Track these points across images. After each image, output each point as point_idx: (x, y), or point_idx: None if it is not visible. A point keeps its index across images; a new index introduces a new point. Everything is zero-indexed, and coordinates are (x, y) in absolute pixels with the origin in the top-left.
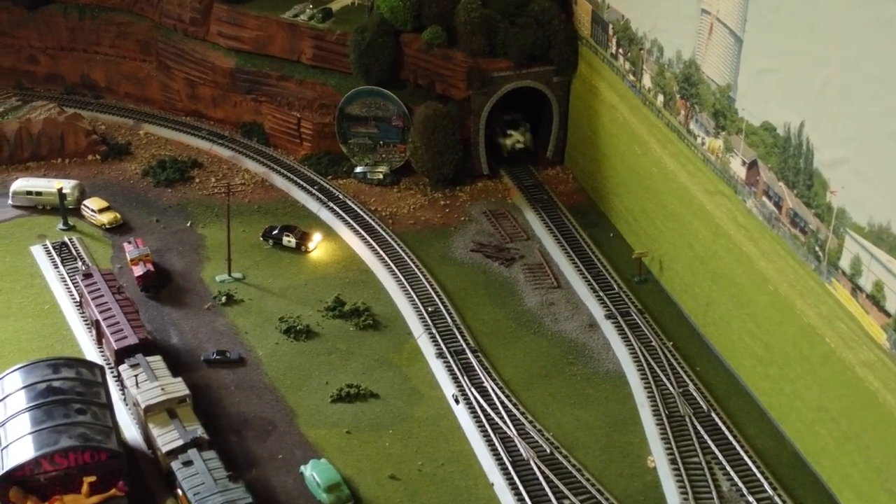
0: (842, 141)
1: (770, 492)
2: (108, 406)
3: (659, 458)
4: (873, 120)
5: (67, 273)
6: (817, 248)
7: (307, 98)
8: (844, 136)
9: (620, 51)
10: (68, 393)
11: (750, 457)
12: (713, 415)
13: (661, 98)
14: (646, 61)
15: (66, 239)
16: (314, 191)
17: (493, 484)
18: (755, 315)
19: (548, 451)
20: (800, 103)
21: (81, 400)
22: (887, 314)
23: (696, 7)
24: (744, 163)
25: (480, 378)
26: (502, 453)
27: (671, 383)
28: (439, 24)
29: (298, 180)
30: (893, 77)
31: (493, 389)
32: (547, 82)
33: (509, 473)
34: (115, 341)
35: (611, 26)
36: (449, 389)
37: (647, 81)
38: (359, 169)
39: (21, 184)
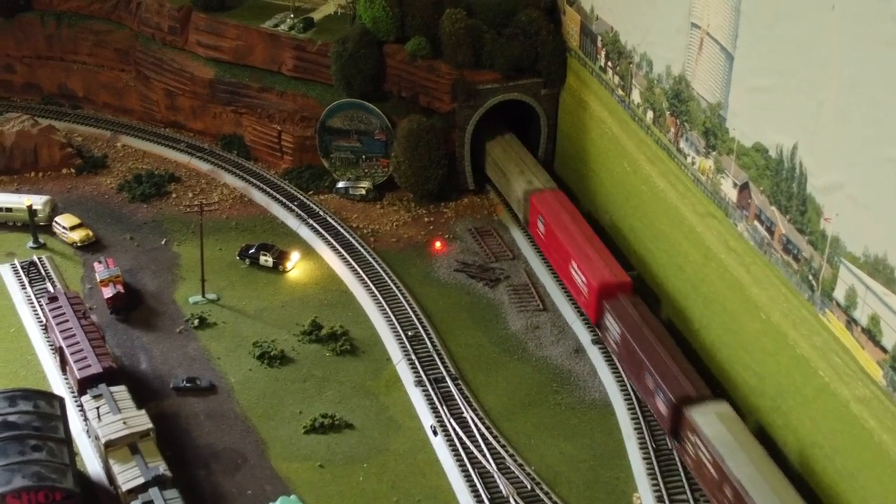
0: (837, 165)
1: None
2: (67, 441)
3: (645, 494)
4: (870, 144)
5: (35, 295)
6: (811, 277)
7: (288, 110)
8: (840, 161)
9: (609, 64)
10: (24, 428)
11: None
12: None
13: (650, 114)
14: (635, 75)
15: (35, 258)
16: (294, 207)
17: None
18: (747, 343)
19: (528, 487)
20: (793, 124)
21: (38, 435)
22: (883, 350)
23: (685, 21)
24: (735, 185)
25: (460, 408)
26: (481, 490)
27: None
28: (423, 34)
29: (278, 196)
30: (892, 100)
31: (474, 420)
32: (535, 95)
33: None
34: (78, 370)
35: (600, 38)
36: (427, 420)
37: (636, 96)
38: (341, 184)
39: None
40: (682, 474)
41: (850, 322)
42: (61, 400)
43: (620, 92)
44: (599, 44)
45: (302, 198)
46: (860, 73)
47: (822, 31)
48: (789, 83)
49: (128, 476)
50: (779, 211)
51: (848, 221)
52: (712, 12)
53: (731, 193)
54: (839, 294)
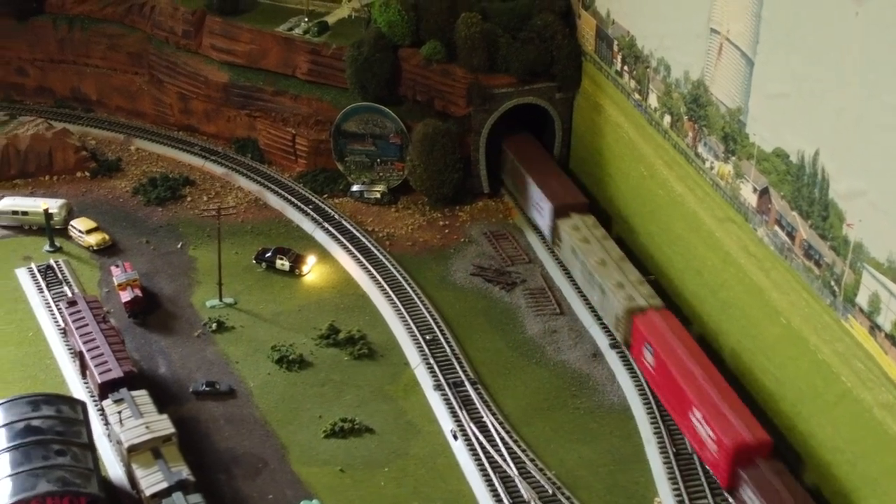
0: (860, 171)
1: None
2: (90, 446)
3: (666, 498)
4: (893, 150)
5: (53, 298)
6: (833, 283)
7: (302, 114)
8: (862, 167)
9: (626, 68)
10: (48, 433)
11: None
12: None
13: (667, 119)
14: (652, 80)
15: (51, 262)
16: (309, 210)
17: None
18: (766, 348)
19: (550, 491)
20: (814, 130)
21: (61, 440)
22: None
23: (704, 26)
24: (755, 190)
25: (480, 412)
26: (502, 494)
27: None
28: (438, 38)
29: (293, 199)
30: None
31: (493, 424)
32: (549, 99)
33: None
34: (99, 374)
35: (616, 42)
36: (447, 424)
37: (653, 101)
38: (355, 187)
39: (7, 203)
40: (703, 478)
41: (874, 328)
42: (83, 404)
43: (637, 96)
44: (615, 48)
45: (317, 201)
46: (882, 80)
47: (845, 37)
48: (811, 89)
49: (151, 481)
50: (800, 216)
51: (871, 227)
52: (732, 18)
53: (751, 198)
54: (862, 300)
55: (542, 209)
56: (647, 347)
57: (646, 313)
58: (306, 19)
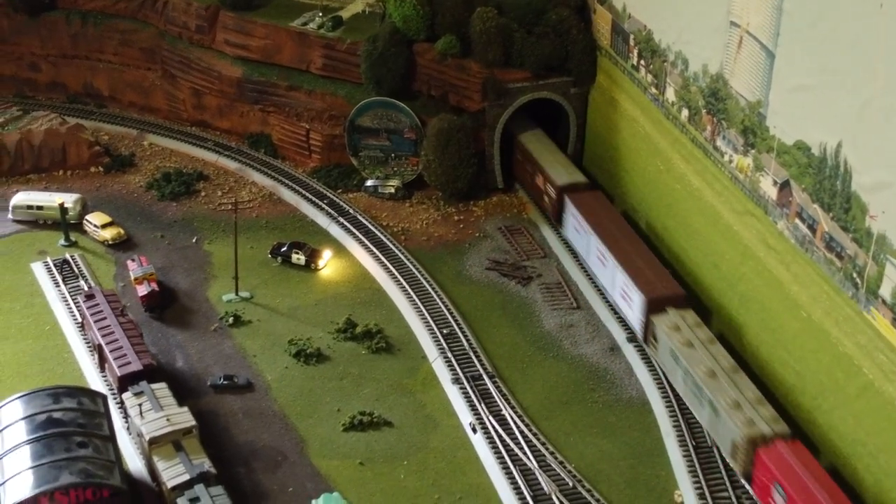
0: (883, 164)
1: None
2: (111, 438)
3: (687, 492)
4: None
5: (69, 292)
6: (855, 275)
7: (316, 109)
8: (886, 159)
9: (642, 62)
10: (69, 425)
11: None
12: None
13: (685, 112)
14: (669, 74)
15: (67, 256)
16: (324, 205)
17: None
18: (786, 341)
19: (570, 484)
20: (837, 123)
21: (83, 432)
22: None
23: (724, 19)
24: (775, 183)
25: (498, 406)
26: (522, 487)
27: None
28: (454, 33)
29: (307, 194)
30: None
31: (512, 418)
32: (564, 93)
33: None
34: (119, 367)
35: (632, 37)
36: (466, 417)
37: (670, 95)
38: (370, 182)
39: (21, 197)
40: (723, 471)
41: None
42: (104, 397)
43: (654, 90)
44: (632, 42)
45: (331, 196)
46: None
47: (869, 29)
48: (833, 81)
49: (172, 473)
50: (821, 209)
51: (895, 218)
52: (753, 11)
53: (771, 191)
54: (885, 291)
55: (629, 299)
56: (778, 489)
57: (773, 445)
58: (321, 14)
